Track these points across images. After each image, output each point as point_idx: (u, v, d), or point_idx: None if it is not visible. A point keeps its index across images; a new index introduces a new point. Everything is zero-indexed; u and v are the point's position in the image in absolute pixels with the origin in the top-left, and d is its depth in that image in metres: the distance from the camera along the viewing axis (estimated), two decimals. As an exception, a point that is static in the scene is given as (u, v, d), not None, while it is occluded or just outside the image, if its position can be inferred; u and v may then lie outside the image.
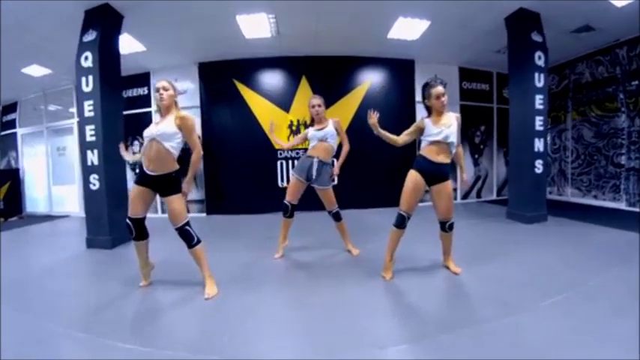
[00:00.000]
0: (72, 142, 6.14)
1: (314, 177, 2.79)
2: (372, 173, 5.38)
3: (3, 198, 6.25)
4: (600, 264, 2.50)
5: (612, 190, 4.99)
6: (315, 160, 2.79)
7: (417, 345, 1.53)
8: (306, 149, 3.01)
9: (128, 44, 4.33)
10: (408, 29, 4.43)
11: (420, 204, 2.50)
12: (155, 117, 4.36)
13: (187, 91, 5.36)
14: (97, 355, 1.53)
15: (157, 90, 2.13)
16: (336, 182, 3.25)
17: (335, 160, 2.95)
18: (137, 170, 2.24)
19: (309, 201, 3.13)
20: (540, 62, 4.01)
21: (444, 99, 2.23)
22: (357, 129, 4.77)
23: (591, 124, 5.29)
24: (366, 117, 2.29)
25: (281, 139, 3.47)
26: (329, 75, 5.35)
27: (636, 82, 4.60)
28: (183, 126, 2.10)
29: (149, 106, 5.44)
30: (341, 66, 5.40)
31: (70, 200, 6.33)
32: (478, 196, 6.20)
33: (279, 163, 5.40)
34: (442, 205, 2.29)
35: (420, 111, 5.29)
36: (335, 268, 2.64)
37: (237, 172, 5.38)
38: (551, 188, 5.96)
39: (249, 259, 2.92)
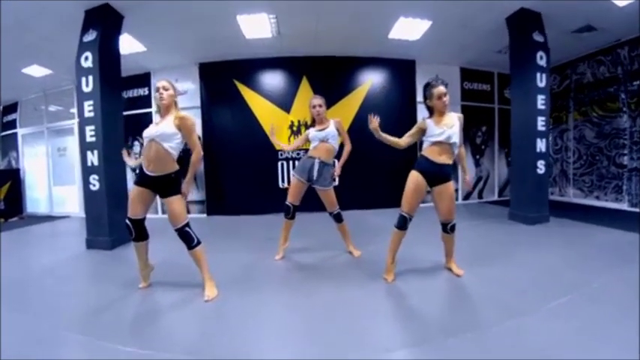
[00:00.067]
0: (72, 143, 6.13)
1: (315, 178, 2.77)
2: (374, 174, 5.37)
3: (3, 198, 6.25)
4: (603, 265, 2.48)
5: (614, 191, 4.97)
6: (317, 160, 2.77)
7: (420, 348, 1.51)
8: (307, 150, 2.99)
9: (128, 44, 4.33)
10: (408, 29, 4.42)
11: (422, 205, 2.48)
12: (155, 117, 4.35)
13: (188, 92, 5.35)
14: (95, 357, 1.52)
15: (157, 89, 2.13)
16: (337, 183, 3.24)
17: (336, 160, 2.93)
18: (137, 171, 2.23)
19: (310, 202, 3.11)
20: (542, 62, 4.00)
21: (446, 99, 2.20)
22: (357, 129, 4.75)
23: (593, 125, 5.27)
24: (366, 117, 2.26)
25: (282, 142, 3.44)
26: (330, 75, 5.34)
27: (638, 82, 4.58)
28: (182, 126, 2.08)
29: (149, 106, 5.43)
30: (342, 66, 5.39)
31: (70, 201, 6.33)
32: (480, 196, 6.18)
33: (279, 163, 5.39)
34: (444, 206, 2.27)
35: (421, 111, 5.27)
36: (336, 270, 2.62)
37: (238, 173, 5.37)
38: (553, 189, 5.94)
39: (249, 260, 2.91)
